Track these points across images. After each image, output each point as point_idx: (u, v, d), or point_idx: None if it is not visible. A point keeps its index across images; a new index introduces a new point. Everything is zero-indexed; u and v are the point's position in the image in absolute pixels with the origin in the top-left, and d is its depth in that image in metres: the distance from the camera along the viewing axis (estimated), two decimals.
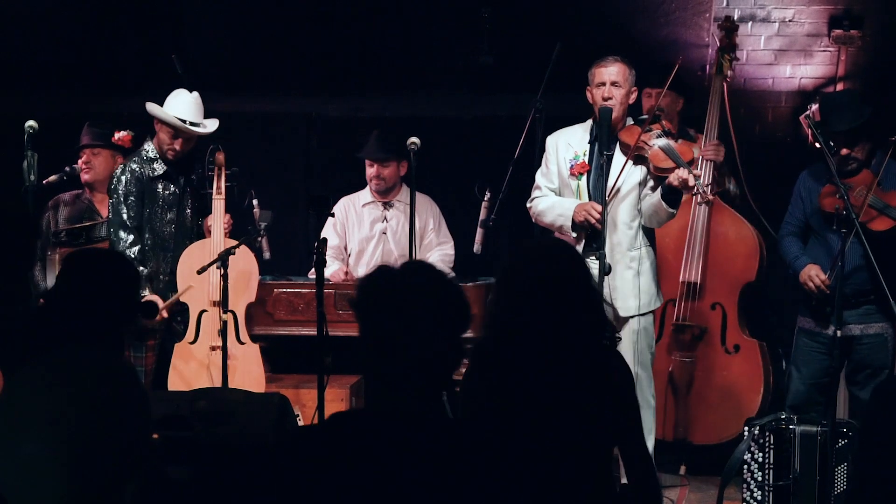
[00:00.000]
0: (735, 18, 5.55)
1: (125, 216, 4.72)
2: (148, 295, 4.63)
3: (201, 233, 4.98)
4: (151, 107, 4.79)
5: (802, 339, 4.58)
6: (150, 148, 4.84)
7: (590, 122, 4.51)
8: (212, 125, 4.85)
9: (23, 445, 1.35)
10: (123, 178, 4.75)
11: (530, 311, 2.45)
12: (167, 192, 4.84)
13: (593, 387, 2.47)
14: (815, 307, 4.50)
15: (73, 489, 1.36)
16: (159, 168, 4.81)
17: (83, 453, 1.35)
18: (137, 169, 4.77)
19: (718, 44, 4.87)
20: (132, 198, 4.74)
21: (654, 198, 4.35)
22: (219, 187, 4.82)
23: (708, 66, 4.93)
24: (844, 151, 4.39)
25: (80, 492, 1.36)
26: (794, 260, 4.55)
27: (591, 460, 2.48)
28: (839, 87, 5.46)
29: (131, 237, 4.71)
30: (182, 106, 4.76)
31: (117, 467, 1.38)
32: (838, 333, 4.18)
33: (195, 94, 4.83)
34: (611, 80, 4.39)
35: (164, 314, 4.69)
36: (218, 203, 4.82)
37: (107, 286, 2.83)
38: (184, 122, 4.73)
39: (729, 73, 4.89)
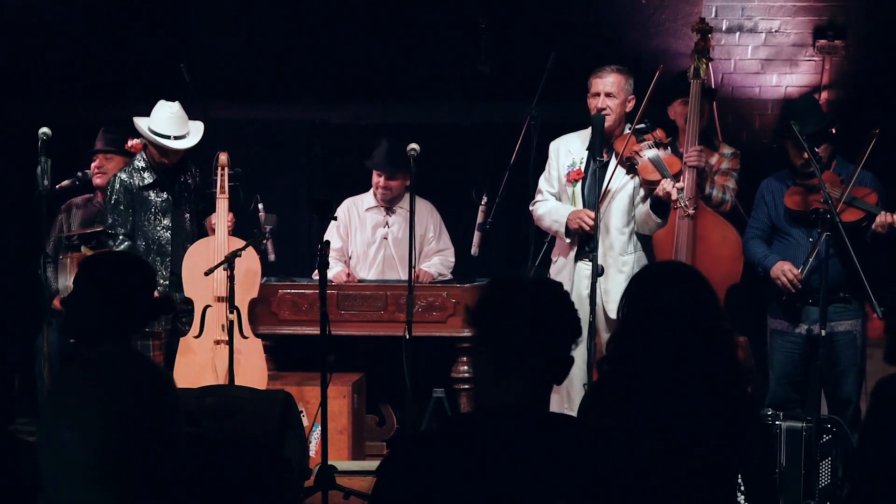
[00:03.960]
0: (723, 28, 5.68)
1: (112, 222, 4.89)
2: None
3: (203, 233, 5.08)
4: (137, 123, 4.91)
5: (776, 341, 4.63)
6: (140, 158, 4.97)
7: (589, 129, 4.59)
8: (195, 132, 4.94)
9: (62, 435, 1.47)
10: (113, 187, 4.90)
11: (653, 335, 2.42)
12: (160, 200, 4.94)
13: (719, 411, 2.42)
14: (785, 305, 4.55)
15: (105, 479, 1.47)
16: (149, 177, 4.92)
17: (115, 446, 1.46)
18: (127, 179, 4.91)
19: (694, 47, 4.80)
20: (121, 206, 4.88)
21: (643, 207, 4.46)
22: (222, 187, 4.94)
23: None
24: (806, 155, 4.42)
25: (113, 482, 1.47)
26: (764, 258, 4.60)
27: (714, 483, 2.44)
28: (824, 95, 5.57)
29: (118, 240, 4.87)
30: (163, 121, 4.87)
31: (149, 461, 1.49)
32: (822, 333, 4.27)
33: (176, 104, 4.92)
34: (605, 91, 4.48)
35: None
36: (221, 202, 4.93)
37: (123, 286, 2.91)
38: (167, 137, 4.85)
39: (705, 76, 4.80)
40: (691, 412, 2.39)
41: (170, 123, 4.87)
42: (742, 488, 2.54)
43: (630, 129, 4.52)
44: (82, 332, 2.90)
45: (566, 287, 4.47)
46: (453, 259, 5.56)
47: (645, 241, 4.65)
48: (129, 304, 2.86)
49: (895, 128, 4.78)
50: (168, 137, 4.85)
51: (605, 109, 4.45)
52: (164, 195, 4.96)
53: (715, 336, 2.44)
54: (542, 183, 4.68)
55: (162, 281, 4.93)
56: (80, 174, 5.37)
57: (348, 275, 5.36)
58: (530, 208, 4.72)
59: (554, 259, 4.68)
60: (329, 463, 4.32)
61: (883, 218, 4.35)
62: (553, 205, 4.61)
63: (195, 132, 4.96)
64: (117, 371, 1.53)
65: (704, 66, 4.75)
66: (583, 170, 4.54)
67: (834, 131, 4.63)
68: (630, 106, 4.54)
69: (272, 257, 5.11)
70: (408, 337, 4.73)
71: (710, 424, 2.40)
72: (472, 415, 1.92)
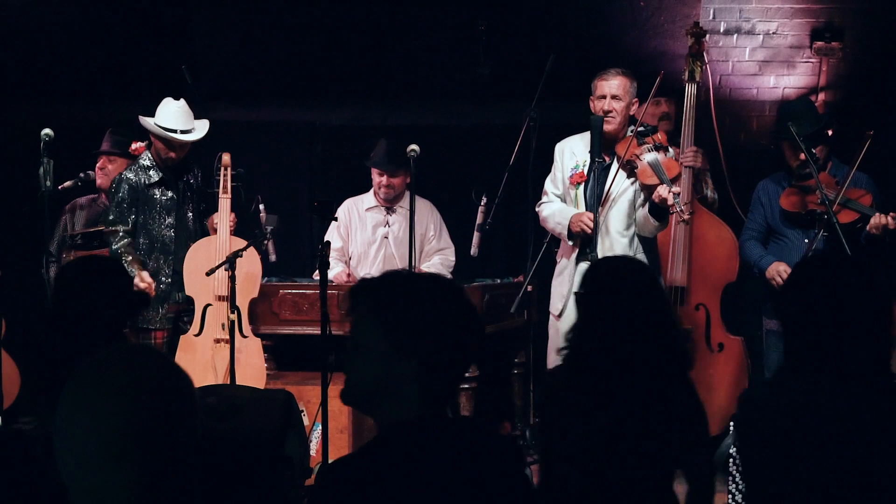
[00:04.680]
0: (721, 30, 5.72)
1: (113, 218, 4.93)
2: (137, 273, 4.74)
3: (206, 231, 5.13)
4: (144, 120, 4.97)
5: (772, 340, 4.67)
6: (146, 157, 5.02)
7: None
8: (201, 128, 5.01)
9: (82, 440, 1.49)
10: (119, 186, 4.95)
11: (603, 329, 2.52)
12: (164, 198, 5.00)
13: (663, 409, 2.52)
14: None
15: (125, 483, 1.49)
16: (155, 175, 4.97)
17: (132, 449, 1.49)
18: (133, 178, 4.96)
19: (688, 50, 4.84)
20: (125, 204, 4.93)
21: (643, 211, 4.50)
22: (224, 187, 4.99)
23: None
24: (803, 156, 4.46)
25: (133, 487, 1.50)
26: (760, 259, 4.64)
27: (654, 480, 2.54)
28: (821, 96, 5.61)
29: (118, 237, 4.89)
30: (170, 116, 4.93)
31: (166, 463, 1.52)
32: None
33: (181, 101, 4.99)
34: (611, 93, 4.50)
35: (151, 291, 4.80)
36: (224, 202, 4.98)
37: (100, 289, 2.99)
38: (174, 131, 4.92)
39: (699, 79, 4.82)
40: (640, 398, 2.50)
41: (176, 118, 4.94)
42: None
43: (632, 131, 4.56)
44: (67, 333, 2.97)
45: (566, 288, 4.57)
46: (453, 258, 5.59)
47: (646, 243, 4.67)
48: (106, 302, 2.92)
49: (890, 129, 4.83)
50: (175, 131, 4.92)
51: (610, 112, 4.48)
52: (169, 194, 5.01)
53: (662, 326, 2.56)
54: (548, 185, 4.72)
55: (164, 279, 4.97)
56: (82, 175, 5.42)
57: (349, 275, 5.39)
58: (536, 209, 4.76)
59: (557, 260, 4.72)
60: (330, 462, 4.35)
61: (877, 219, 4.37)
62: (557, 207, 4.65)
63: (201, 128, 5.03)
64: (132, 363, 1.56)
65: (699, 68, 4.80)
66: (585, 173, 4.58)
67: (830, 133, 4.67)
68: (634, 109, 4.57)
69: (273, 258, 5.15)
70: None
71: (657, 410, 2.51)
72: (395, 431, 1.83)
